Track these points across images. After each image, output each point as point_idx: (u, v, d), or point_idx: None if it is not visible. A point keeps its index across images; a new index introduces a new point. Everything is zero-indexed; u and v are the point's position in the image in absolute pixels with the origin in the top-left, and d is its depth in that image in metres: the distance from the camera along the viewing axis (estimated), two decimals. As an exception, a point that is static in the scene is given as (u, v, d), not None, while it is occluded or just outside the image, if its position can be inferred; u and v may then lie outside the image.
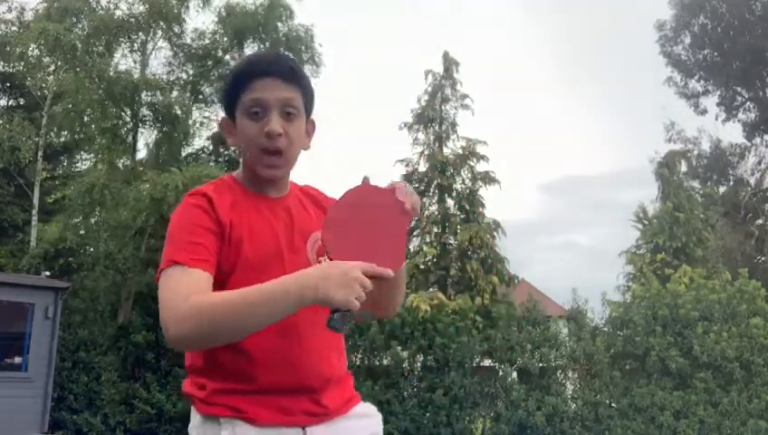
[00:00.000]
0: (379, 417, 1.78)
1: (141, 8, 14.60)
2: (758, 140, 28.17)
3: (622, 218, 36.18)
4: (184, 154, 16.00)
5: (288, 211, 1.69)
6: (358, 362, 13.38)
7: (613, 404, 13.49)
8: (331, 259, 1.44)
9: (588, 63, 57.45)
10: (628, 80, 55.61)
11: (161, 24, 14.85)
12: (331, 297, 1.36)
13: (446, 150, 19.67)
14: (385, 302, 1.71)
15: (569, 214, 53.30)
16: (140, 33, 14.97)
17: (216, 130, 16.54)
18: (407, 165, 19.85)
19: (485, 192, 19.42)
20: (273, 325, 1.46)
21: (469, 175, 19.40)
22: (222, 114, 1.76)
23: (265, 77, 1.63)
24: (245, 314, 1.41)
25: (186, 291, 1.44)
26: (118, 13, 14.58)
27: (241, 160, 1.72)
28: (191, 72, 15.53)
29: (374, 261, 1.42)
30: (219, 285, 1.52)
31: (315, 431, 1.60)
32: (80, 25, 14.35)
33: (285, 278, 1.42)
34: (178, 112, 14.65)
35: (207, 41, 15.44)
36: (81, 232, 14.98)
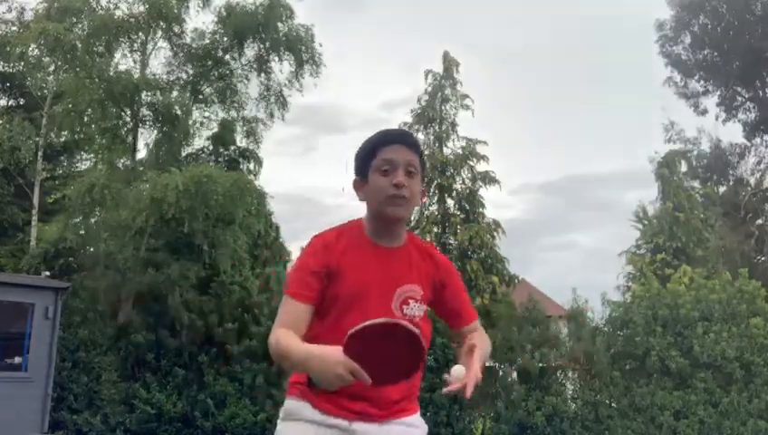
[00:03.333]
0: (424, 430, 2.19)
1: (141, 8, 14.57)
2: (758, 140, 28.13)
3: (622, 218, 36.22)
4: (184, 154, 15.96)
5: (391, 261, 2.12)
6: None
7: (613, 404, 13.48)
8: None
9: (588, 63, 57.48)
10: (628, 80, 55.65)
11: (161, 23, 14.81)
12: (317, 379, 1.90)
13: (446, 150, 19.68)
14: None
15: (569, 214, 53.24)
16: (140, 33, 14.94)
17: (215, 130, 16.51)
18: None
19: (485, 192, 19.45)
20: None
21: (469, 175, 19.42)
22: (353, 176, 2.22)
23: (394, 144, 2.11)
24: (284, 361, 1.97)
25: (284, 319, 2.02)
26: (118, 13, 14.55)
27: (366, 211, 2.16)
28: (191, 72, 15.47)
29: (385, 371, 1.81)
30: (327, 308, 2.05)
31: (360, 427, 2.04)
32: (80, 25, 14.31)
33: (309, 352, 1.88)
34: (178, 112, 14.62)
35: (207, 41, 15.38)
36: (81, 232, 14.95)
